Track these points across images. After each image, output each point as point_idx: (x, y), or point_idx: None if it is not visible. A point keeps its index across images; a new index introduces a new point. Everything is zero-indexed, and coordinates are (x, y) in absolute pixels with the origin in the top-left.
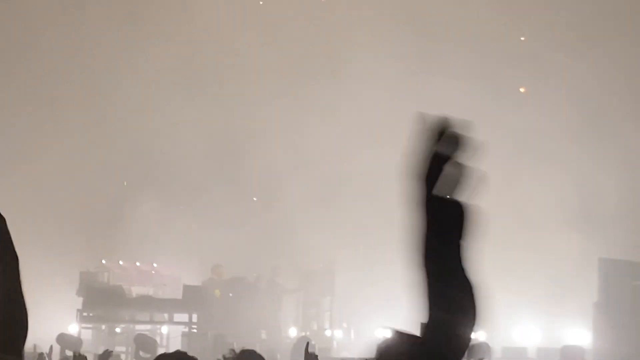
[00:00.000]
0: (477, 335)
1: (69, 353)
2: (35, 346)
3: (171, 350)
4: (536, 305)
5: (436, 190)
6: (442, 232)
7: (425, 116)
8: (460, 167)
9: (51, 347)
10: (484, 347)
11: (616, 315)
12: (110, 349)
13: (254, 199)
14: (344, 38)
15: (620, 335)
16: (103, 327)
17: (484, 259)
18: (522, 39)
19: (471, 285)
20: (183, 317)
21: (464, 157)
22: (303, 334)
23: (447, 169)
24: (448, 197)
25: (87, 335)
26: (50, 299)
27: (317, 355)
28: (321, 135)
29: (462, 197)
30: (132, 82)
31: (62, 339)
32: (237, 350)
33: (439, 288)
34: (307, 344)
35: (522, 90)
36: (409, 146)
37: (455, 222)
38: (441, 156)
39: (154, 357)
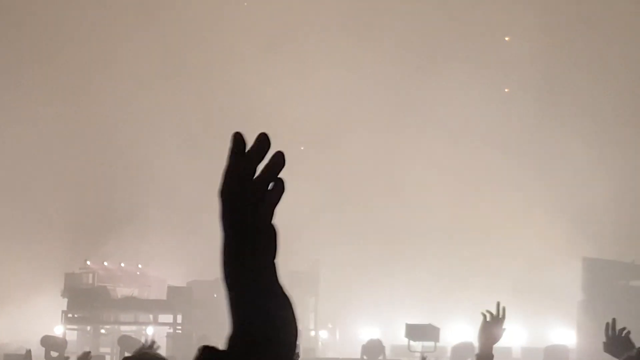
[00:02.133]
0: (464, 335)
1: (55, 354)
2: (22, 349)
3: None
4: (521, 304)
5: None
6: (248, 247)
7: (237, 135)
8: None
9: (29, 352)
10: (468, 347)
11: (600, 313)
12: (88, 350)
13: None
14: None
15: (604, 334)
16: (88, 328)
17: (470, 258)
18: (506, 39)
19: (288, 300)
20: (168, 317)
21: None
22: None
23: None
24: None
25: (72, 336)
26: (35, 300)
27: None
28: (307, 134)
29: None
30: (118, 83)
31: (47, 340)
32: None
33: (253, 303)
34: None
35: (506, 90)
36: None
37: (259, 238)
38: (241, 170)
39: None
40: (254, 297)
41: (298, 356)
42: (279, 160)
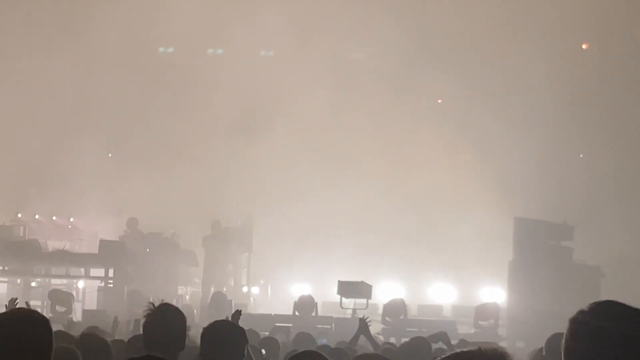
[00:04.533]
0: (395, 293)
1: None
2: None
3: (87, 304)
4: (452, 264)
5: None
6: None
7: None
8: None
9: None
10: (400, 304)
11: (530, 273)
12: (15, 297)
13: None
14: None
15: (533, 292)
16: (18, 281)
17: (403, 220)
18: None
19: None
20: (99, 272)
21: None
22: (220, 289)
23: None
24: None
25: (2, 289)
26: None
27: (240, 311)
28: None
29: None
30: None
31: None
32: (156, 304)
33: None
34: (238, 312)
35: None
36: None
37: None
38: None
39: (70, 310)
40: None
41: (240, 312)
42: None
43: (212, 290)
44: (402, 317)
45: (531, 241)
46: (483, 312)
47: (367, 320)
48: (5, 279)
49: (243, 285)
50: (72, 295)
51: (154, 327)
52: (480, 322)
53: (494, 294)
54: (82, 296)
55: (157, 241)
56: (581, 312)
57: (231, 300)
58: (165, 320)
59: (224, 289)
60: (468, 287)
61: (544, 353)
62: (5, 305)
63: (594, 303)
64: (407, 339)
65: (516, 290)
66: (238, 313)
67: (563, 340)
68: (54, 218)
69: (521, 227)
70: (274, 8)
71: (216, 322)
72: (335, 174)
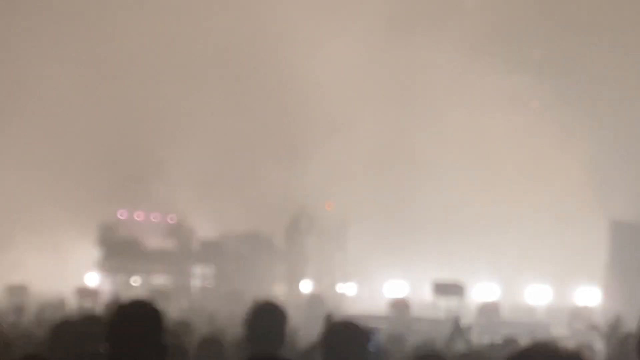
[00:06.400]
0: (489, 294)
1: (87, 304)
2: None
3: (185, 301)
4: (547, 266)
5: None
6: None
7: None
8: None
9: (62, 301)
10: (494, 305)
11: (627, 276)
12: (118, 296)
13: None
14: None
15: (630, 296)
16: (120, 278)
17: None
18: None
19: None
20: (198, 270)
21: None
22: (315, 288)
23: None
24: None
25: (105, 286)
26: (68, 250)
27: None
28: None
29: None
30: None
31: (80, 290)
32: (256, 303)
33: None
34: (328, 315)
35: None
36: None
37: None
38: None
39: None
40: None
41: (331, 316)
42: None
43: (300, 286)
44: (495, 319)
45: (628, 244)
46: (577, 314)
47: (461, 321)
48: (107, 276)
49: (337, 285)
50: (171, 292)
51: (257, 324)
52: (574, 324)
53: (589, 296)
54: (180, 294)
55: (255, 241)
56: None
57: (326, 299)
58: (269, 317)
59: (319, 288)
60: (563, 290)
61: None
62: (108, 303)
63: None
64: (500, 340)
65: (612, 293)
66: (329, 317)
67: None
68: (155, 217)
69: (617, 230)
70: None
71: (338, 322)
72: (429, 177)
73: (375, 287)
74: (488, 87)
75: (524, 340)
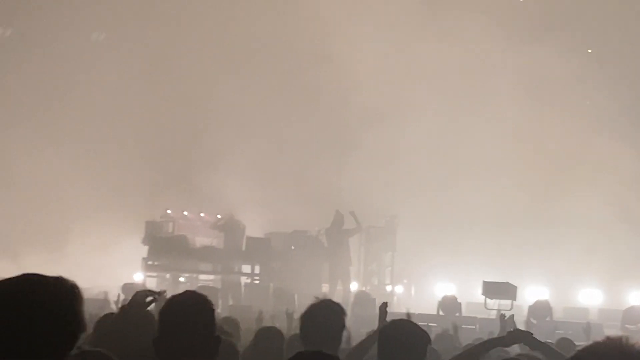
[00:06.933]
0: (540, 294)
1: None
2: (105, 293)
3: (232, 299)
4: (599, 268)
5: None
6: None
7: None
8: None
9: (119, 296)
10: (545, 305)
11: None
12: (164, 290)
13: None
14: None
15: None
16: (167, 276)
17: (552, 222)
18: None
19: None
20: (246, 268)
21: None
22: (364, 288)
23: None
24: None
25: (151, 283)
26: (116, 248)
27: (386, 303)
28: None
29: None
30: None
31: (128, 287)
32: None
33: None
34: (384, 304)
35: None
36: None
37: None
38: None
39: (216, 305)
40: None
41: (386, 305)
42: None
43: (340, 285)
44: (547, 319)
45: None
46: (631, 315)
47: (508, 318)
48: (155, 274)
49: (387, 285)
50: (219, 290)
51: (314, 321)
52: (627, 326)
53: None
54: (228, 291)
55: (302, 239)
56: None
57: (374, 299)
58: (325, 315)
59: (368, 288)
60: (616, 290)
61: None
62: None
63: None
64: (552, 342)
65: None
66: (384, 305)
67: None
68: (202, 215)
69: None
70: None
71: (395, 321)
72: (480, 172)
73: (424, 288)
74: (546, 84)
75: (579, 341)
